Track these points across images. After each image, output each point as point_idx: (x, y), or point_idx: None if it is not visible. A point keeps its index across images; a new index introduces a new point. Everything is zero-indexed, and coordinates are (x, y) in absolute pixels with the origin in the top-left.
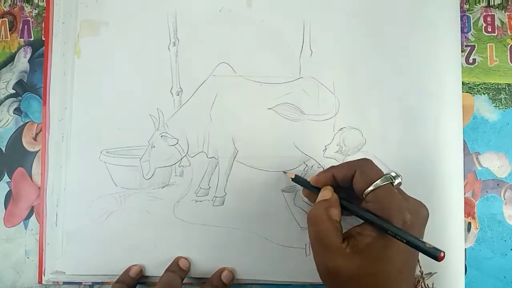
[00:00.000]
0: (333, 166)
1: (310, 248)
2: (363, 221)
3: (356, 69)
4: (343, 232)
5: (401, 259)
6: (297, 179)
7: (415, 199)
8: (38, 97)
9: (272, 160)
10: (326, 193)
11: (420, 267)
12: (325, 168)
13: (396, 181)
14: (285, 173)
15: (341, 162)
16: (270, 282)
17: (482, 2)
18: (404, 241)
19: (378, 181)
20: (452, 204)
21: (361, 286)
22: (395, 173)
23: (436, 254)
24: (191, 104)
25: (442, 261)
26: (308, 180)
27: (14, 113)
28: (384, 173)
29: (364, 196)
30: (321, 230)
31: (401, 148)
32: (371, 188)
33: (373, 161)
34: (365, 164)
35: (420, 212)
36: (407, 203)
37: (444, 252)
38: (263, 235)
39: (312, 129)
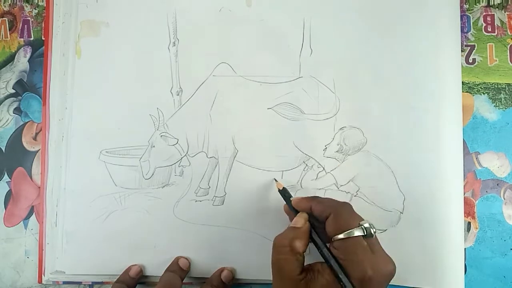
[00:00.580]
0: (316, 198)
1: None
2: None
3: (356, 68)
4: (309, 262)
5: None
6: (283, 193)
7: (384, 254)
8: (38, 97)
9: (272, 160)
10: (298, 221)
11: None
12: (325, 170)
13: (368, 233)
14: (276, 180)
15: (324, 198)
16: (269, 282)
17: (482, 2)
18: None
19: (349, 231)
20: (452, 203)
21: None
22: (369, 224)
23: None
24: (191, 104)
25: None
26: (291, 199)
27: (14, 113)
28: (360, 222)
29: (333, 240)
30: (281, 259)
31: (401, 147)
32: (340, 236)
33: (352, 207)
34: (343, 209)
35: (383, 270)
36: (373, 258)
37: None
38: (263, 234)
39: (312, 129)
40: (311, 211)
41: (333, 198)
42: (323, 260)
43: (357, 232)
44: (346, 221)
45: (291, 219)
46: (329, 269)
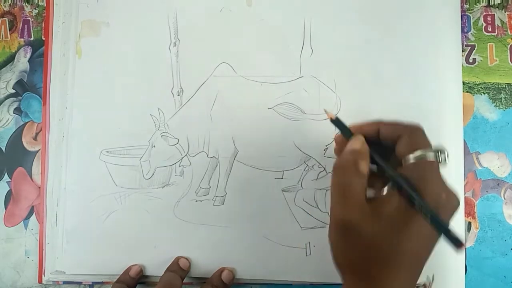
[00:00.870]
0: (382, 120)
1: (310, 248)
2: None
3: (357, 68)
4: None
5: (421, 240)
6: (337, 122)
7: (450, 186)
8: (38, 97)
9: (273, 159)
10: (357, 143)
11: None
12: (326, 170)
13: (442, 160)
14: (325, 111)
15: (390, 120)
16: (270, 282)
17: (482, 1)
18: (430, 219)
19: (426, 153)
20: None
21: (370, 253)
22: (445, 150)
23: (458, 241)
24: (192, 104)
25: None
26: (348, 126)
27: (14, 113)
28: (435, 146)
29: (404, 162)
30: (347, 182)
31: None
32: (417, 153)
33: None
34: (416, 130)
35: (453, 199)
36: (445, 185)
37: (465, 243)
38: (263, 234)
39: (312, 129)
40: (375, 135)
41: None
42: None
43: (434, 157)
44: (422, 141)
45: (338, 153)
46: (398, 192)
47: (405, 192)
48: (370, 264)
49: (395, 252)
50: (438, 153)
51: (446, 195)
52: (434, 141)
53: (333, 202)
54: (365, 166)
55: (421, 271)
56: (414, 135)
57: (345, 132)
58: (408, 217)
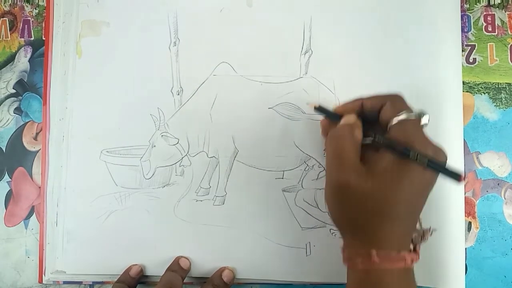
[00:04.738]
0: (362, 97)
1: (310, 248)
2: None
3: (356, 69)
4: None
5: (414, 189)
6: (320, 108)
7: (436, 143)
8: (39, 97)
9: (273, 159)
10: (350, 118)
11: (421, 224)
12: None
13: (423, 120)
14: (307, 104)
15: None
16: (270, 281)
17: (483, 1)
18: (426, 161)
19: (408, 114)
20: (452, 203)
21: (367, 208)
22: (423, 112)
23: (458, 174)
24: (192, 103)
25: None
26: (333, 110)
27: (14, 113)
28: (415, 109)
29: (389, 127)
30: (341, 146)
31: None
32: (400, 117)
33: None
34: (397, 97)
35: (441, 153)
36: (431, 142)
37: (463, 174)
38: (264, 234)
39: (312, 129)
40: (359, 110)
41: None
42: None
43: (415, 117)
44: (403, 106)
45: (325, 136)
46: (388, 152)
47: (397, 149)
48: (367, 218)
49: (391, 204)
50: (419, 115)
51: (433, 150)
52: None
53: (328, 166)
54: (358, 134)
55: (416, 221)
56: (396, 101)
57: (332, 116)
58: (401, 168)
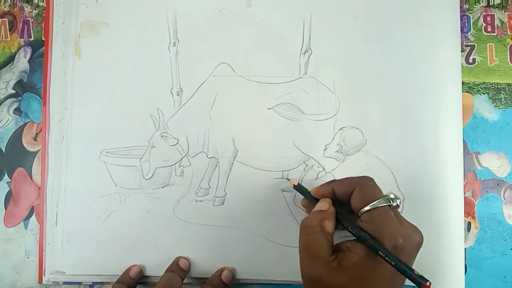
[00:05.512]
0: (335, 180)
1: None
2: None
3: (356, 69)
4: (334, 244)
5: (385, 282)
6: (299, 188)
7: (410, 224)
8: (38, 97)
9: (272, 160)
10: (323, 205)
11: None
12: (325, 170)
13: (394, 204)
14: (288, 179)
15: (342, 178)
16: (270, 282)
17: (482, 2)
18: (393, 263)
19: (375, 202)
20: (452, 203)
21: None
22: (394, 195)
23: (422, 283)
24: (191, 104)
25: (442, 261)
26: (309, 190)
27: (14, 113)
28: (384, 194)
29: (360, 215)
30: (312, 239)
31: (401, 147)
32: (367, 208)
33: (374, 180)
34: (366, 183)
35: (412, 238)
36: (401, 227)
37: (430, 282)
38: (263, 234)
39: (312, 129)
40: (333, 195)
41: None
42: (350, 240)
43: (384, 202)
44: (371, 192)
45: (309, 213)
46: (360, 244)
47: (367, 243)
48: None
49: None
50: (388, 199)
51: (404, 236)
52: (434, 141)
53: (301, 258)
54: (330, 225)
55: None
56: (364, 187)
57: (309, 197)
58: (370, 264)
